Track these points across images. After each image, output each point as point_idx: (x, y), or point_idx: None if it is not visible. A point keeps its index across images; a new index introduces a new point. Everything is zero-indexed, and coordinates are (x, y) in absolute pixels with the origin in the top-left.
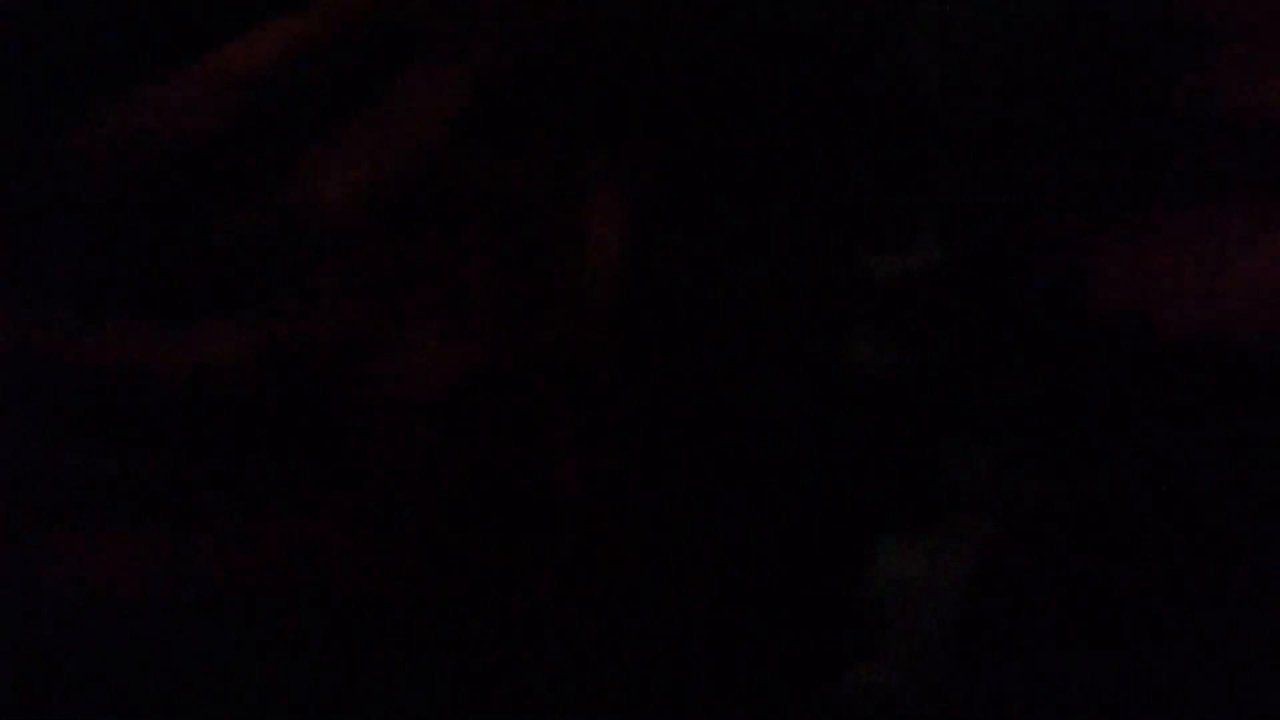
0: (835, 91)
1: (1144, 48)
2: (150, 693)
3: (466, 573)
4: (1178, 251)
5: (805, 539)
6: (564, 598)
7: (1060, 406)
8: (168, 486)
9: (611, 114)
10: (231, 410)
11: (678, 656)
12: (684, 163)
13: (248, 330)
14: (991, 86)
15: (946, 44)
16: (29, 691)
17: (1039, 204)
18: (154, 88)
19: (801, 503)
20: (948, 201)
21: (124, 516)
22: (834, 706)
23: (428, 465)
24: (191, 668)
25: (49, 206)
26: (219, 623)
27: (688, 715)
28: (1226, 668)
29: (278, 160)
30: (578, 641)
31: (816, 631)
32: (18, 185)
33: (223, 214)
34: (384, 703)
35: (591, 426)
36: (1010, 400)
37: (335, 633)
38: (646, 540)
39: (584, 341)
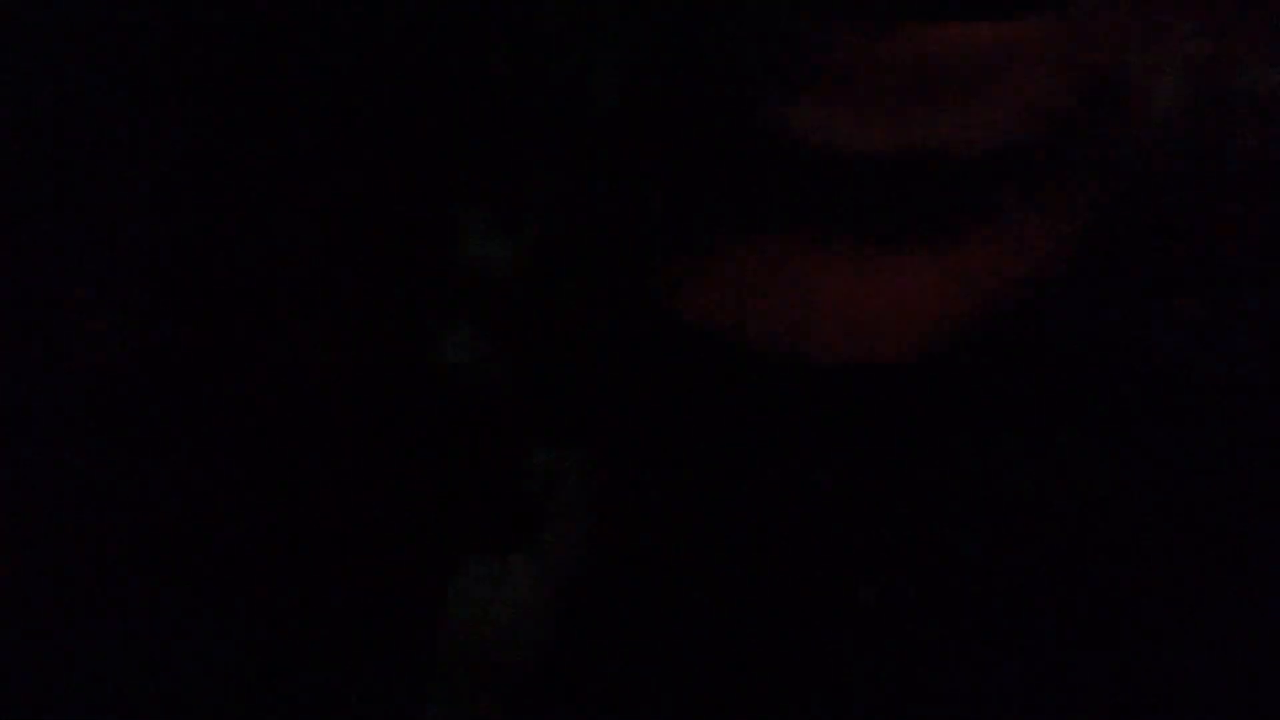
0: (444, 73)
1: (766, 73)
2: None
3: None
4: (759, 272)
5: (382, 559)
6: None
7: (650, 414)
8: None
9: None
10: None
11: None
12: (275, 158)
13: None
14: (609, 86)
15: (569, 38)
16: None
17: (638, 208)
18: None
19: (380, 518)
20: (546, 196)
21: None
22: None
23: None
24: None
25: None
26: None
27: None
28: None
29: None
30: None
31: (389, 668)
32: None
33: None
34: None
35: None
36: (601, 406)
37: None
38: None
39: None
